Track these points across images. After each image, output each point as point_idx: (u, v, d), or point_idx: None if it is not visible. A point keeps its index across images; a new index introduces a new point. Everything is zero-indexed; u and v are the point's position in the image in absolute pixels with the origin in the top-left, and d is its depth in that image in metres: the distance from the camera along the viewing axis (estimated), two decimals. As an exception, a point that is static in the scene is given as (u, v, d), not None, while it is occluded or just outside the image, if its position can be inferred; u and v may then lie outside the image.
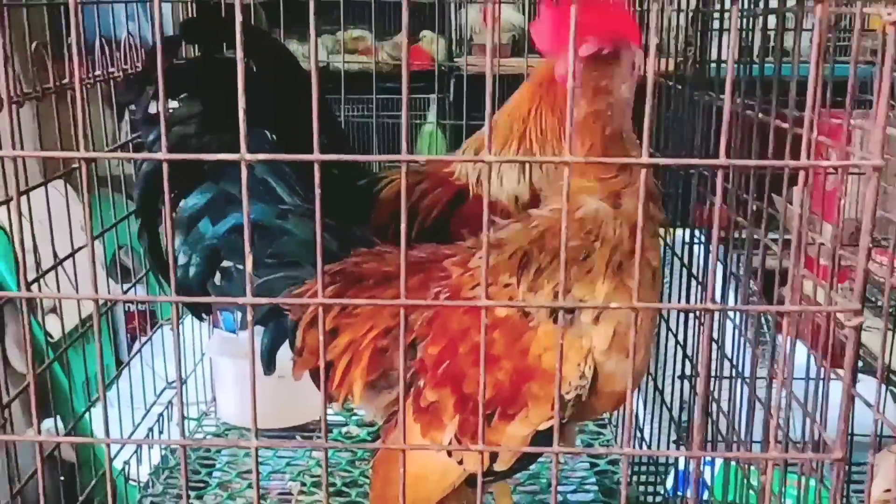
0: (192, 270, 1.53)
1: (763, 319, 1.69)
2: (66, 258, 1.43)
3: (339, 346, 1.34)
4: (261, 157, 0.75)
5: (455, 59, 4.01)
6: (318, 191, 0.77)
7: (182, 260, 1.62)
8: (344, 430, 2.03)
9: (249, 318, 0.80)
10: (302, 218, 1.39)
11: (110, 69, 1.59)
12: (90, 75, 1.54)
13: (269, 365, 1.45)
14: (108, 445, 0.84)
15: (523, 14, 3.42)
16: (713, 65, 1.53)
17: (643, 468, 1.81)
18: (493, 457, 1.22)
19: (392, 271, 1.32)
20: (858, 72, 0.87)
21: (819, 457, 0.82)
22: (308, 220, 1.39)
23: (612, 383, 1.19)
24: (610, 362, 1.18)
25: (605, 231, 1.18)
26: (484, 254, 0.77)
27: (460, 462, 1.25)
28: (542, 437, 1.20)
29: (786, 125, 0.98)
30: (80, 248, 1.45)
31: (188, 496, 0.86)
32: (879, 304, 1.96)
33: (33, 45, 1.31)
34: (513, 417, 1.20)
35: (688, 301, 1.60)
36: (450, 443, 1.23)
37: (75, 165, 1.46)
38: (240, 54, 0.73)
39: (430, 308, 1.27)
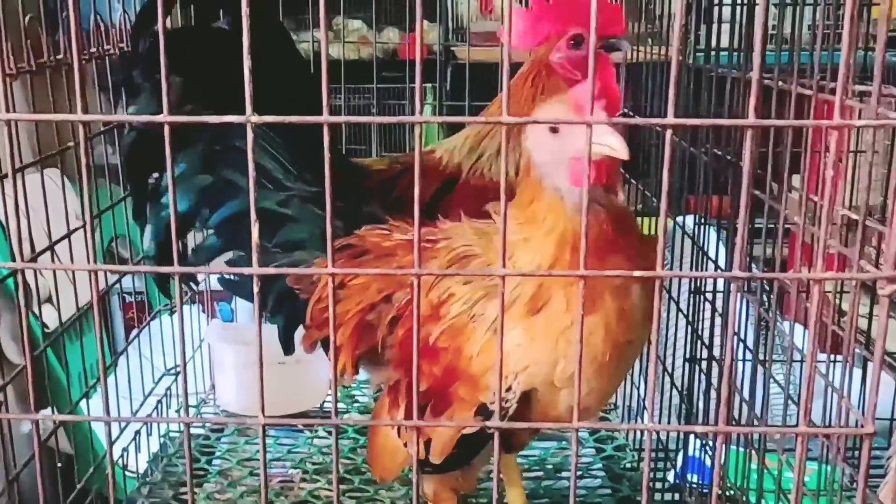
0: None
1: (767, 301, 1.66)
2: (61, 239, 1.39)
3: (336, 318, 1.34)
4: (268, 119, 0.72)
5: (452, 48, 3.96)
6: (327, 155, 0.73)
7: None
8: (346, 416, 1.99)
9: (256, 289, 0.76)
10: (304, 203, 1.40)
11: (105, 47, 1.55)
12: (85, 52, 1.50)
13: (288, 346, 1.46)
14: (109, 425, 0.81)
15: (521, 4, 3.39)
16: (713, 53, 1.52)
17: (651, 454, 1.78)
18: (428, 448, 1.24)
19: (392, 247, 1.33)
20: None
21: (850, 431, 0.78)
22: (311, 204, 1.40)
23: (545, 407, 1.17)
24: (534, 391, 1.15)
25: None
26: (502, 221, 0.73)
27: (405, 445, 1.30)
28: (468, 441, 1.20)
29: (809, 91, 0.95)
30: (76, 229, 1.41)
31: (192, 478, 0.82)
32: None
33: (27, 18, 1.27)
34: (440, 414, 1.20)
35: (699, 284, 1.57)
36: (399, 426, 1.29)
37: (70, 144, 1.43)
38: (245, 10, 0.69)
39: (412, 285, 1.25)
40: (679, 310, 1.60)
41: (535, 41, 1.52)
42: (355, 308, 1.34)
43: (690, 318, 1.57)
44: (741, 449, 1.45)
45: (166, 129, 0.73)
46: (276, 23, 1.58)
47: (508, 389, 1.15)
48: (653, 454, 1.77)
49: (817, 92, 1.05)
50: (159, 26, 0.72)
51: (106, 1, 1.61)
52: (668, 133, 0.72)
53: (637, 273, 0.80)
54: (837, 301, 1.68)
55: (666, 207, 0.73)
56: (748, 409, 1.28)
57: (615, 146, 0.98)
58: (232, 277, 1.56)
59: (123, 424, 1.69)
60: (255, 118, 0.72)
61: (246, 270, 0.76)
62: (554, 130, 1.06)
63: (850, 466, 1.02)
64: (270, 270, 0.77)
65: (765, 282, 1.65)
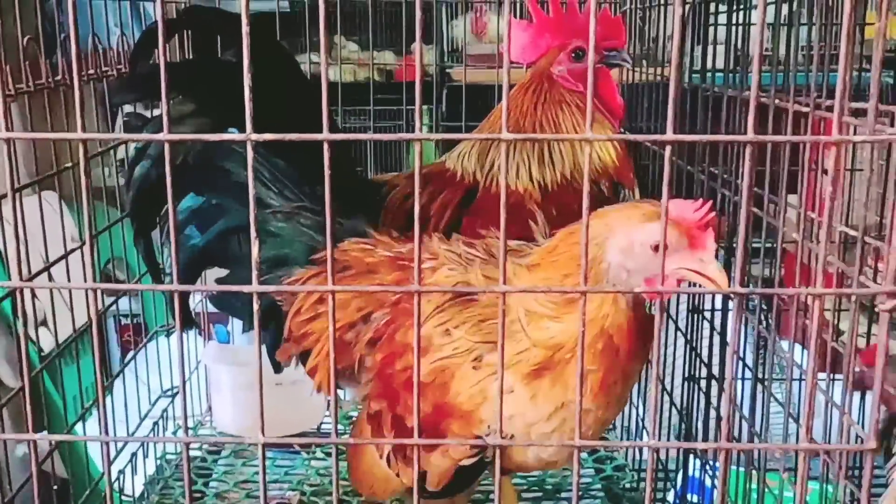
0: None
1: (765, 320, 1.66)
2: (59, 259, 1.38)
3: (314, 333, 1.35)
4: (267, 136, 0.72)
5: (447, 70, 3.97)
6: (327, 172, 0.73)
7: (169, 268, 1.60)
8: (345, 437, 1.98)
9: (256, 307, 0.76)
10: (288, 218, 1.40)
11: (103, 68, 1.55)
12: (84, 73, 1.51)
13: (276, 365, 1.44)
14: (107, 445, 0.80)
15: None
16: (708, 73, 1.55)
17: (652, 473, 1.77)
18: (423, 478, 1.23)
19: (374, 263, 1.31)
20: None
21: (852, 448, 0.78)
22: (293, 220, 1.40)
23: (513, 452, 1.19)
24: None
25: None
26: (501, 242, 0.73)
27: (397, 475, 1.28)
28: (464, 471, 1.20)
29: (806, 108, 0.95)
30: (73, 249, 1.41)
31: (191, 496, 0.82)
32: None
33: (25, 39, 1.27)
34: (434, 448, 1.19)
35: (697, 303, 1.57)
36: (388, 455, 1.27)
37: (69, 165, 1.43)
38: (245, 29, 0.70)
39: (393, 305, 1.26)
40: (678, 328, 1.60)
41: (536, 54, 1.54)
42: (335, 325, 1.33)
43: (689, 338, 1.57)
44: (741, 469, 1.45)
45: (167, 147, 0.73)
46: (278, 46, 1.58)
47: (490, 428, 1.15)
48: (653, 473, 1.77)
49: (814, 109, 1.06)
50: (160, 50, 0.72)
51: (104, 23, 1.61)
52: (668, 150, 0.72)
53: (638, 290, 0.80)
54: (836, 320, 1.68)
55: (666, 220, 0.72)
56: (748, 427, 1.27)
57: (719, 281, 0.97)
58: (224, 300, 1.56)
59: (120, 446, 1.68)
60: (255, 136, 0.72)
61: (245, 288, 0.75)
62: (656, 249, 1.00)
63: (852, 483, 1.01)
64: (271, 288, 0.76)
65: (763, 301, 1.65)
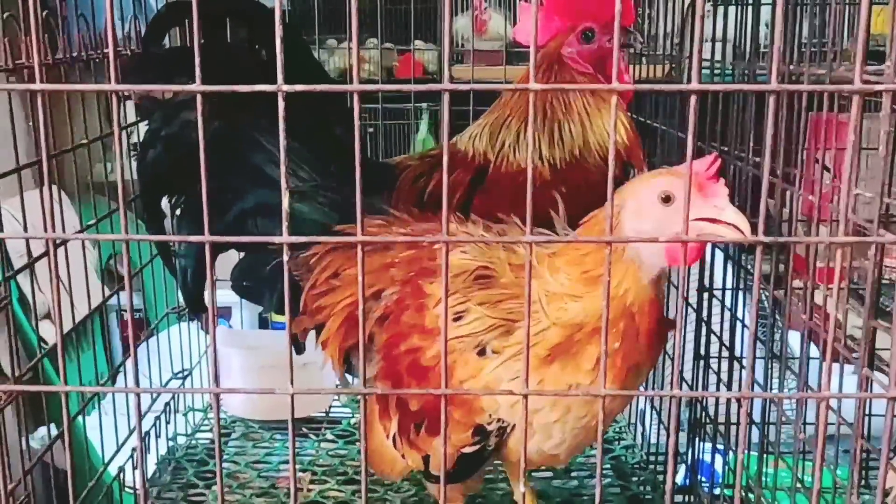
0: (190, 273, 1.55)
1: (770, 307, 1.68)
2: (39, 257, 1.37)
3: (327, 307, 1.36)
4: (298, 88, 0.73)
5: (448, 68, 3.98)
6: (357, 123, 0.74)
7: (181, 260, 1.61)
8: (353, 420, 1.99)
9: (285, 258, 0.77)
10: (303, 198, 1.42)
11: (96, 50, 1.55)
12: (88, 53, 1.51)
13: (297, 345, 1.45)
14: (138, 396, 0.81)
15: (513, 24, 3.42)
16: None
17: (659, 457, 1.79)
18: (427, 462, 1.25)
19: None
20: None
21: (875, 395, 0.79)
22: (309, 198, 1.42)
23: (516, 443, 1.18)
24: (511, 428, 1.16)
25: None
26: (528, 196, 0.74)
27: (403, 457, 1.28)
28: (466, 459, 1.21)
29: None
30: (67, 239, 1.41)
31: (220, 448, 0.83)
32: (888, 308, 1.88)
33: (5, 15, 1.26)
34: (437, 433, 1.17)
35: (708, 280, 1.58)
36: (394, 436, 1.27)
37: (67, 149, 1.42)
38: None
39: (403, 284, 1.26)
40: (688, 304, 1.60)
41: (546, 36, 1.54)
42: (345, 301, 1.34)
43: (699, 316, 1.58)
44: (754, 454, 1.46)
45: (198, 98, 0.74)
46: (297, 36, 1.60)
47: (499, 420, 1.16)
48: (659, 457, 1.78)
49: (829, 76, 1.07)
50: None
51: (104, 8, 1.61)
52: (692, 99, 0.73)
53: (663, 239, 0.81)
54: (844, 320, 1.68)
55: (691, 170, 0.73)
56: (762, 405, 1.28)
57: (739, 224, 0.95)
58: (245, 284, 1.56)
59: (123, 437, 1.67)
60: (287, 87, 0.73)
61: (276, 239, 0.76)
62: (666, 200, 1.01)
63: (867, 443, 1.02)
64: (302, 239, 0.77)
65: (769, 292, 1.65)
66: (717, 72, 1.57)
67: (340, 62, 3.61)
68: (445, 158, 0.73)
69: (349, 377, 1.44)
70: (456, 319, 1.15)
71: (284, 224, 0.76)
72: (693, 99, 0.73)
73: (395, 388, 1.23)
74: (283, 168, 0.76)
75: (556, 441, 1.18)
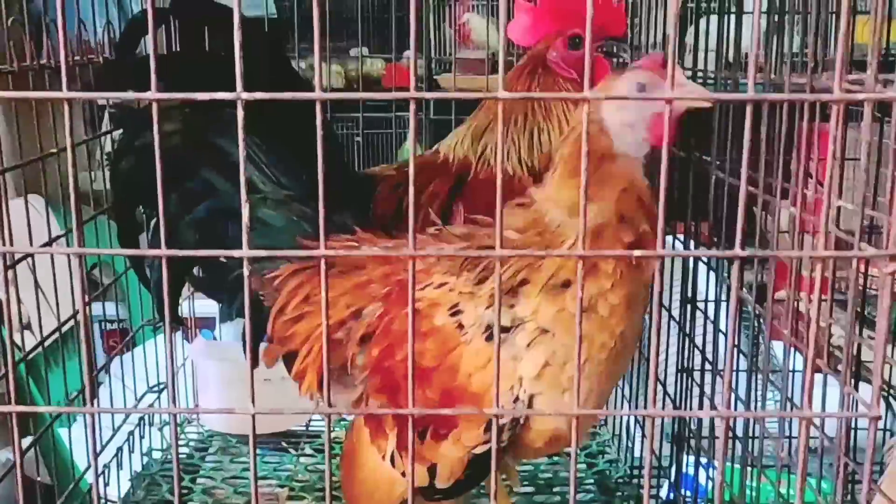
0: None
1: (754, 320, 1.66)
2: (22, 259, 1.33)
3: (300, 335, 1.30)
4: (258, 95, 0.70)
5: (435, 77, 3.95)
6: (319, 133, 0.72)
7: (155, 272, 1.56)
8: (333, 435, 1.95)
9: (246, 273, 0.74)
10: (278, 206, 1.37)
11: (89, 55, 1.53)
12: (70, 59, 1.48)
13: (254, 360, 1.39)
14: (93, 416, 0.78)
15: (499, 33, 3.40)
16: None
17: (642, 471, 1.76)
18: (433, 474, 1.18)
19: (361, 260, 1.28)
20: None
21: (859, 415, 0.77)
22: (284, 207, 1.37)
23: (543, 420, 1.13)
24: (540, 396, 1.10)
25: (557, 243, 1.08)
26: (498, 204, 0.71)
27: (404, 474, 1.20)
28: (478, 461, 1.15)
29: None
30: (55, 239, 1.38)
31: (179, 475, 0.80)
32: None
33: (9, 20, 1.25)
34: (445, 437, 1.14)
35: (692, 291, 1.56)
36: (392, 455, 1.20)
37: (53, 151, 1.40)
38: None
39: (385, 298, 1.22)
40: (671, 317, 1.58)
41: (536, 37, 1.54)
42: (321, 326, 1.28)
43: (682, 328, 1.56)
44: (737, 466, 1.44)
45: (154, 106, 0.71)
46: (278, 50, 1.57)
47: (516, 400, 1.10)
48: (642, 471, 1.75)
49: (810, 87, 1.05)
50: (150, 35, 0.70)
51: (90, 9, 1.58)
52: (667, 109, 0.71)
53: (637, 252, 0.79)
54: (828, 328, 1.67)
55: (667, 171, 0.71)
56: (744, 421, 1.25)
57: (699, 92, 1.02)
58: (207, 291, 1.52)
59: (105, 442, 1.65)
60: (246, 95, 0.70)
61: (236, 253, 0.73)
62: (641, 89, 1.05)
63: (851, 461, 1.00)
64: (261, 253, 0.74)
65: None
66: (698, 81, 1.55)
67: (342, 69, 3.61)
68: (412, 171, 0.71)
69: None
70: (453, 314, 1.13)
71: (245, 238, 0.73)
72: (667, 109, 0.71)
73: (393, 401, 1.17)
74: (242, 178, 0.73)
75: (584, 394, 1.11)
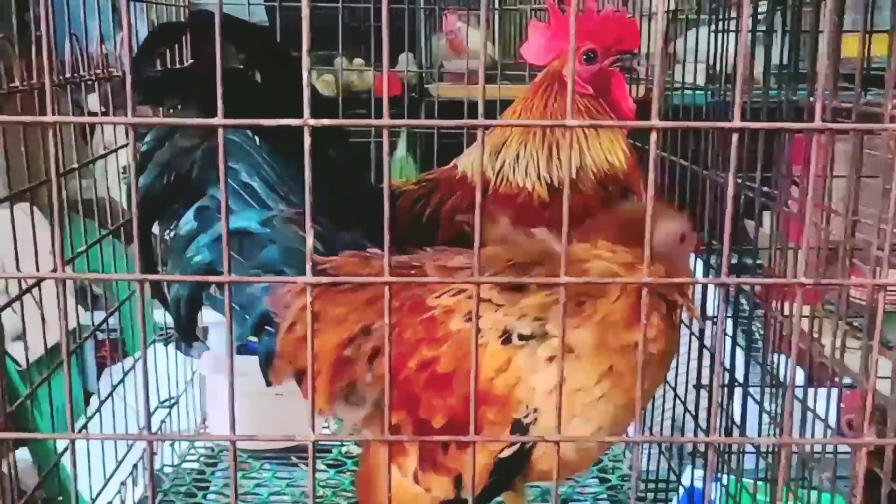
0: (182, 294, 1.48)
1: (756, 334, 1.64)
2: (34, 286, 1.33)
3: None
4: (325, 122, 0.69)
5: (426, 86, 3.91)
6: (307, 158, 0.71)
7: (174, 288, 1.55)
8: (343, 449, 1.95)
9: (227, 296, 0.74)
10: (286, 224, 1.35)
11: (82, 72, 1.52)
12: (60, 77, 1.47)
13: (268, 377, 1.39)
14: (72, 442, 0.78)
15: (493, 44, 3.36)
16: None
17: (659, 484, 1.75)
18: (459, 484, 1.15)
19: (370, 275, 1.24)
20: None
21: (842, 441, 0.75)
22: (291, 226, 1.35)
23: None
24: (545, 415, 1.08)
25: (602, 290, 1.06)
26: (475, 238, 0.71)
27: (428, 490, 1.18)
28: (504, 466, 1.12)
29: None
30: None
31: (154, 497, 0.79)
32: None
33: (-1, 37, 1.22)
34: (468, 446, 1.10)
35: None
36: (415, 471, 1.17)
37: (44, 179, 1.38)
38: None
39: (396, 309, 1.18)
40: (691, 332, 1.55)
41: (551, 56, 1.54)
42: (332, 342, 1.24)
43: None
44: (749, 481, 1.42)
45: (220, 132, 0.70)
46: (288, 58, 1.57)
47: (535, 410, 1.09)
48: (652, 484, 1.74)
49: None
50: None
51: (82, 25, 1.55)
52: (653, 135, 0.70)
53: (622, 280, 0.78)
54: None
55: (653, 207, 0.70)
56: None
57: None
58: (216, 294, 1.50)
59: (108, 464, 1.63)
60: (313, 121, 0.69)
61: (219, 279, 0.73)
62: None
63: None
64: (245, 279, 0.74)
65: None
66: (688, 93, 1.57)
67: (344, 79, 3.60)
68: (387, 192, 0.70)
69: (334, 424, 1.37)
70: (469, 320, 1.11)
71: (225, 263, 0.72)
72: (653, 135, 0.70)
73: (412, 414, 1.15)
74: (223, 201, 0.72)
75: (593, 426, 1.10)
